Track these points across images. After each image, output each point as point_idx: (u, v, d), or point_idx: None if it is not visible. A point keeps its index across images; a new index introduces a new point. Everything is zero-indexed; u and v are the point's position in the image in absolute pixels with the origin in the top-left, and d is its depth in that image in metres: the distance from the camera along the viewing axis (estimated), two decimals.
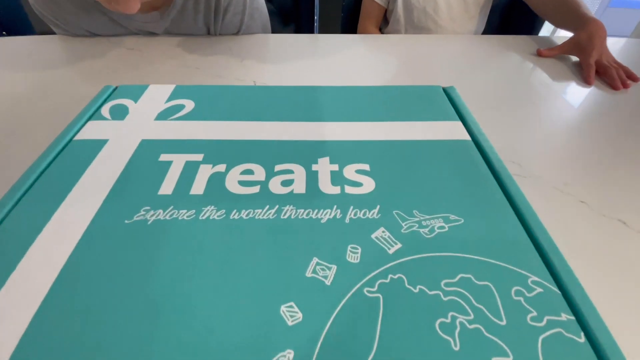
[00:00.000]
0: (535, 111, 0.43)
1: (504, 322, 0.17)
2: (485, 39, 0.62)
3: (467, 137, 0.28)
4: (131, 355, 0.15)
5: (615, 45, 0.61)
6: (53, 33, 0.61)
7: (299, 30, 0.94)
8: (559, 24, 0.61)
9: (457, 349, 0.16)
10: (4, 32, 1.13)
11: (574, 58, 0.56)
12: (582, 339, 0.16)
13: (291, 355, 0.15)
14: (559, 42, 0.57)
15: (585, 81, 0.48)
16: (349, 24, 0.94)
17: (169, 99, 0.31)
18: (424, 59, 0.56)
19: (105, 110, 0.30)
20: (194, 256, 0.19)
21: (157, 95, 0.32)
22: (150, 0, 0.53)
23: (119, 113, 0.29)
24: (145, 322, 0.16)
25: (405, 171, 0.25)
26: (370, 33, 0.82)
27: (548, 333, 0.16)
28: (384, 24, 0.86)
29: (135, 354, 0.15)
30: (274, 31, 0.69)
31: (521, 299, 0.18)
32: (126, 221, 0.21)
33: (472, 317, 0.17)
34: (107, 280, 0.18)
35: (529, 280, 0.18)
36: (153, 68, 0.52)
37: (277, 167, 0.25)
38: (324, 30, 1.02)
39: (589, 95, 0.47)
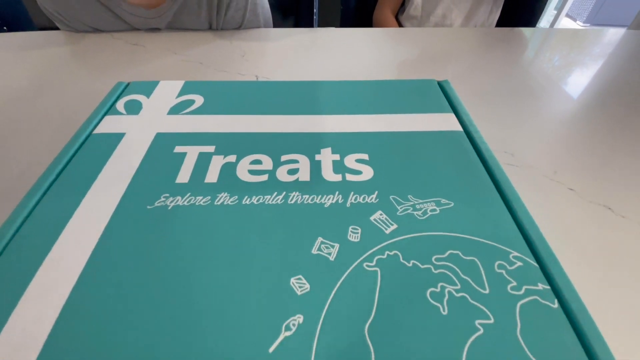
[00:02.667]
0: (532, 103, 0.45)
1: (487, 291, 0.19)
2: (480, 32, 0.64)
3: (459, 128, 0.30)
4: (155, 323, 0.18)
5: (614, 37, 0.63)
6: (53, 28, 0.62)
7: (298, 23, 0.95)
8: None
9: (445, 313, 0.18)
10: (4, 27, 1.14)
11: (570, 50, 0.57)
12: (556, 305, 0.19)
13: (301, 320, 0.18)
14: (558, 33, 0.59)
15: None
16: (348, 17, 0.95)
17: (180, 94, 0.33)
18: (421, 52, 0.57)
19: (120, 106, 0.32)
20: (211, 237, 0.21)
21: (168, 91, 0.34)
22: None
23: (134, 108, 0.31)
24: (170, 294, 0.19)
25: (401, 160, 0.27)
26: (387, 19, 0.84)
27: (525, 300, 0.19)
28: (400, 11, 0.88)
29: (160, 321, 0.18)
30: (273, 25, 0.70)
31: (503, 271, 0.20)
32: (148, 207, 0.23)
33: (459, 287, 0.19)
34: (133, 260, 0.20)
35: (511, 256, 0.21)
36: (157, 63, 0.54)
37: (283, 157, 0.27)
38: (324, 23, 1.02)
39: (583, 88, 0.49)
